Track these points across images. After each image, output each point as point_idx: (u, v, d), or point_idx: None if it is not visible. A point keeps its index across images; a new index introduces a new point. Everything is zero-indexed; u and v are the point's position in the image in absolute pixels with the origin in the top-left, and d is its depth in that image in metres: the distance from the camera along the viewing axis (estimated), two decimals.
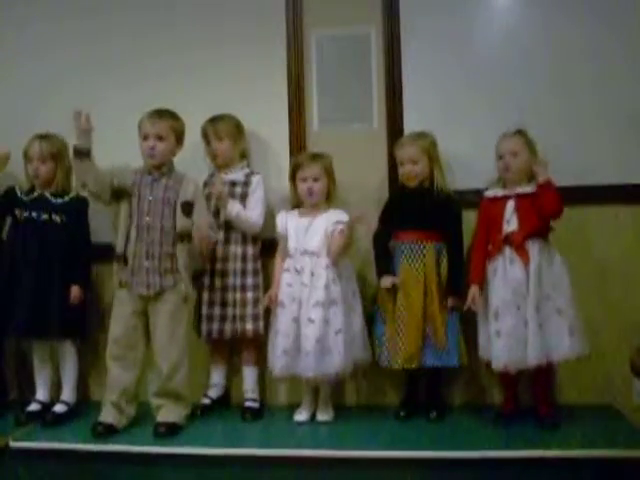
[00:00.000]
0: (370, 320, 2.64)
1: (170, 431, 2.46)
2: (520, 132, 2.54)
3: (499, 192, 2.55)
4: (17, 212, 2.70)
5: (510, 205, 2.50)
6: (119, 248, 2.55)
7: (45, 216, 2.68)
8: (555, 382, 2.65)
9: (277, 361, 2.51)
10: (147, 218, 2.52)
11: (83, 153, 2.48)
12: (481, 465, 2.23)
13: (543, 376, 2.52)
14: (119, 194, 2.56)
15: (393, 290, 2.56)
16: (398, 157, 2.64)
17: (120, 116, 2.79)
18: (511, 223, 2.49)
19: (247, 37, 2.88)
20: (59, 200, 2.72)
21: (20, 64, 3.01)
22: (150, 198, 2.54)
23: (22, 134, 2.77)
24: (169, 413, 2.51)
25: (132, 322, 2.53)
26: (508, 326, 2.41)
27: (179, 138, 2.60)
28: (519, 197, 2.49)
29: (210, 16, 2.91)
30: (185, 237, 2.54)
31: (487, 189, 2.60)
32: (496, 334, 2.43)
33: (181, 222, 2.54)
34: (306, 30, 2.86)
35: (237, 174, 2.77)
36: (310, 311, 2.49)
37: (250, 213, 2.71)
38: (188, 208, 2.55)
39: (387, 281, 2.56)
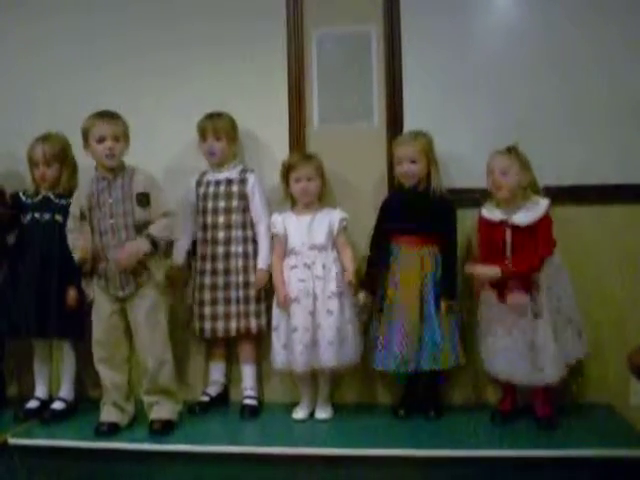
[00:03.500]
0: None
1: (165, 428, 2.46)
2: (512, 150, 2.50)
3: (496, 215, 2.51)
4: (22, 216, 2.72)
5: (508, 235, 2.48)
6: (86, 266, 2.54)
7: (48, 216, 2.69)
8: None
9: (299, 357, 2.51)
10: (111, 221, 2.51)
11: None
12: (479, 464, 2.24)
13: None
14: (82, 215, 2.55)
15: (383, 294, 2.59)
16: (396, 156, 2.64)
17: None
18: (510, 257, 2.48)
19: (247, 35, 2.87)
20: (62, 201, 2.71)
21: (17, 61, 3.00)
22: (110, 201, 2.52)
23: (22, 132, 2.78)
24: (162, 410, 2.51)
25: (112, 322, 2.53)
26: (506, 341, 2.44)
27: (128, 138, 2.59)
28: (515, 229, 2.46)
29: (210, 14, 2.90)
30: (144, 228, 2.52)
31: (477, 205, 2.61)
32: (492, 345, 2.48)
33: (139, 214, 2.52)
34: (306, 28, 2.85)
35: (231, 172, 2.77)
36: (327, 302, 2.52)
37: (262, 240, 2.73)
38: (143, 199, 2.53)
39: (361, 298, 2.60)
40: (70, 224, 2.59)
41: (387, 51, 2.81)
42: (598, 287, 2.70)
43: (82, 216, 2.55)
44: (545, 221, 2.45)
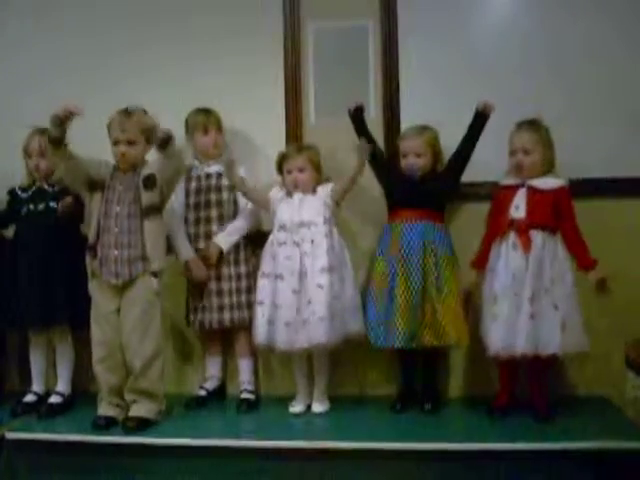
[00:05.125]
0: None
1: (139, 426, 2.44)
2: (534, 124, 2.53)
3: (512, 181, 2.55)
4: (17, 209, 2.73)
5: (521, 192, 2.51)
6: (91, 239, 2.54)
7: (42, 206, 2.70)
8: (551, 374, 2.65)
9: (281, 335, 2.51)
10: (117, 207, 2.50)
11: (57, 141, 2.44)
12: (475, 457, 2.24)
13: (539, 369, 2.52)
14: (93, 185, 2.54)
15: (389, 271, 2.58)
16: (401, 149, 2.64)
17: (112, 108, 2.67)
18: (519, 209, 2.49)
19: (244, 29, 2.87)
20: (55, 188, 2.73)
21: (15, 55, 3.00)
22: (120, 188, 2.52)
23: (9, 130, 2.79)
24: (140, 408, 2.49)
25: (111, 323, 2.51)
26: (504, 311, 2.42)
27: (149, 138, 2.56)
28: (531, 188, 2.50)
29: (207, 8, 2.90)
30: (150, 211, 2.51)
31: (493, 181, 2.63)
32: (493, 318, 2.45)
33: (145, 197, 2.51)
34: (303, 22, 2.85)
35: (220, 165, 2.77)
36: (317, 277, 2.51)
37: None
38: (148, 181, 2.51)
39: (363, 145, 2.58)
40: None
41: (384, 45, 2.82)
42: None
43: (91, 184, 2.53)
44: (566, 191, 2.49)
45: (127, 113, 2.52)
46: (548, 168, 2.53)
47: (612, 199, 2.72)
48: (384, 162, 2.73)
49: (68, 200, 2.66)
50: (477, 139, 2.59)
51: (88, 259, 2.55)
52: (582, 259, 2.49)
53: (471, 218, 2.74)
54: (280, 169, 2.68)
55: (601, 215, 2.69)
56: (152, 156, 2.61)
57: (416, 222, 2.58)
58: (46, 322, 2.66)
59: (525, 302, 2.40)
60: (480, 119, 2.57)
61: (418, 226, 2.58)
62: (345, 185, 2.62)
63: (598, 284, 2.50)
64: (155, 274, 2.52)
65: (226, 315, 2.70)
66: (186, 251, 2.73)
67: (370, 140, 2.66)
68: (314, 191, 2.65)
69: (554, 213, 2.48)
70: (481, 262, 2.59)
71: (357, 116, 2.67)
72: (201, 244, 2.74)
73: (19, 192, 2.77)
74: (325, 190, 2.63)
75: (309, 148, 2.68)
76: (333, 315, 2.49)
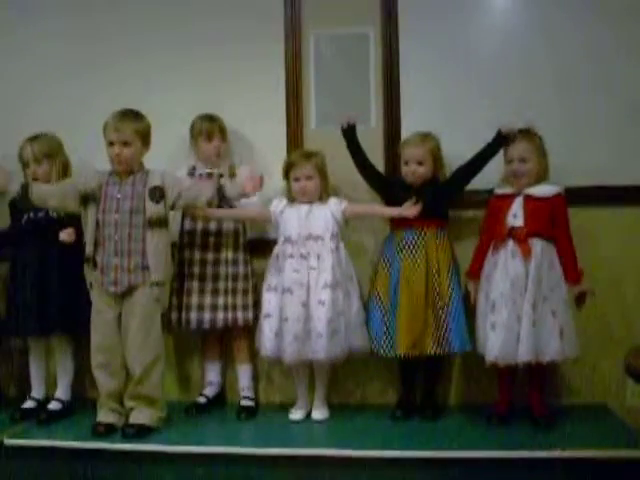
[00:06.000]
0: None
1: (139, 433, 2.44)
2: (529, 133, 2.54)
3: (508, 190, 2.56)
4: (19, 218, 2.73)
5: (518, 201, 2.51)
6: (88, 250, 2.52)
7: (42, 214, 2.70)
8: (549, 382, 2.65)
9: (288, 347, 2.50)
10: (116, 215, 2.49)
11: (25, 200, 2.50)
12: (475, 465, 2.24)
13: (538, 376, 2.53)
14: (86, 199, 2.53)
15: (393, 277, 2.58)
16: (403, 156, 2.65)
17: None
18: (517, 218, 2.50)
19: (245, 35, 2.87)
20: None
21: (16, 61, 3.00)
22: (118, 196, 2.51)
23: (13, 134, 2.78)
24: (140, 415, 2.49)
25: (111, 329, 2.51)
26: (503, 319, 2.43)
27: (145, 140, 2.56)
28: (527, 197, 2.51)
29: (209, 14, 2.90)
30: (155, 223, 2.51)
31: (492, 189, 2.63)
32: (491, 326, 2.45)
33: (151, 208, 2.50)
34: (305, 29, 2.86)
35: (222, 168, 2.78)
36: (320, 293, 2.51)
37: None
38: (156, 192, 2.51)
39: None
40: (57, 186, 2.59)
41: (384, 53, 2.82)
42: (595, 289, 2.69)
43: (83, 198, 2.52)
44: (562, 199, 2.50)
45: (122, 116, 2.52)
46: (543, 176, 2.54)
47: (604, 207, 2.72)
48: (382, 179, 2.72)
49: (69, 232, 2.66)
50: (490, 158, 2.59)
51: (87, 270, 2.54)
52: (570, 272, 2.50)
53: (470, 225, 2.74)
54: (287, 176, 2.67)
55: (593, 223, 2.70)
56: (159, 163, 2.62)
57: (417, 230, 2.59)
58: (44, 330, 2.66)
59: (527, 309, 2.41)
60: (500, 141, 2.56)
61: (420, 234, 2.58)
62: (363, 213, 2.68)
63: (578, 297, 2.51)
64: (156, 284, 2.51)
65: (220, 316, 2.68)
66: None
67: (361, 154, 2.65)
68: (320, 199, 2.65)
69: (551, 221, 2.49)
70: (476, 272, 2.59)
71: (349, 133, 2.64)
72: (198, 239, 2.73)
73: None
74: (338, 206, 2.62)
75: (316, 155, 2.66)
76: (334, 332, 2.49)
